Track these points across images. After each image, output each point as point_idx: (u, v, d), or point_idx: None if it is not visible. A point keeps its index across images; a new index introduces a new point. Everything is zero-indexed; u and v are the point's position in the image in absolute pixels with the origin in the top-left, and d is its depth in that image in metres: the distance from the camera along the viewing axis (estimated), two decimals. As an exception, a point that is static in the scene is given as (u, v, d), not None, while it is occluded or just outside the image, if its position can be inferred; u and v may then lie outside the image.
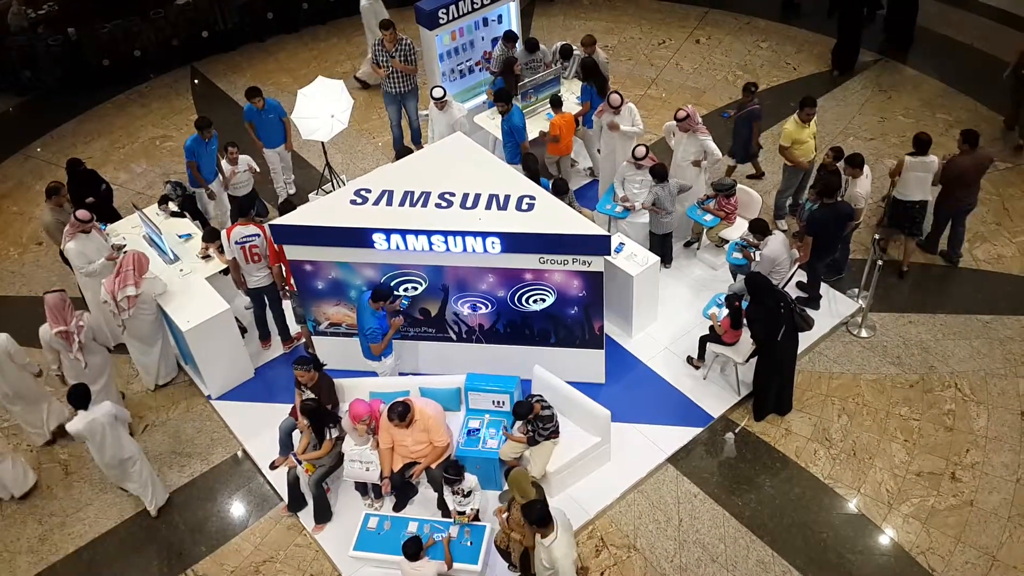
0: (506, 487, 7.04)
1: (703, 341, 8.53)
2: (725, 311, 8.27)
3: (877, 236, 8.98)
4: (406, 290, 8.31)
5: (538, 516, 6.19)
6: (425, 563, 6.75)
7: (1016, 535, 7.30)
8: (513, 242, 7.79)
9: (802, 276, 9.16)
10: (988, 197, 10.41)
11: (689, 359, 8.74)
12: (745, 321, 8.03)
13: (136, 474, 7.81)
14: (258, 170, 10.29)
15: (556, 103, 10.11)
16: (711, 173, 10.08)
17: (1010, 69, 10.82)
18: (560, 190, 8.75)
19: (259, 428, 8.52)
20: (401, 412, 7.21)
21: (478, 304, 8.35)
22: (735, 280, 9.06)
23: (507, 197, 8.09)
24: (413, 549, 6.64)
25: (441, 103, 10.12)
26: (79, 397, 7.42)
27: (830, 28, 13.46)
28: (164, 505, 8.09)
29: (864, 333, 9.04)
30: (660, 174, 9.11)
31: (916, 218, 9.36)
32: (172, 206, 9.86)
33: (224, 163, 9.99)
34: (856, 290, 9.31)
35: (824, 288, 9.28)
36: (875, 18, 13.30)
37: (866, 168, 8.97)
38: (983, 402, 8.33)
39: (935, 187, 9.27)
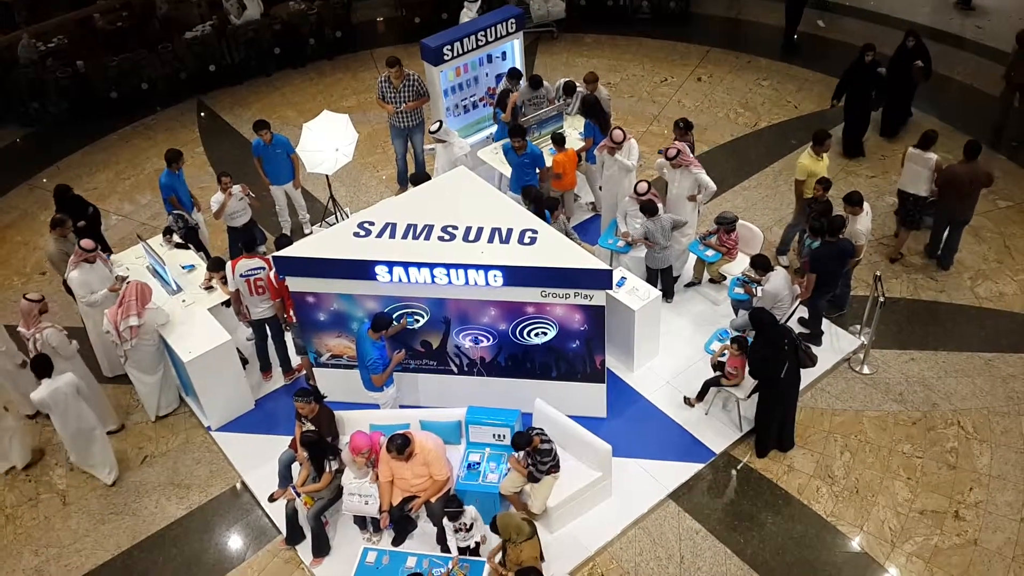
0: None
1: (707, 385, 8.51)
2: (729, 350, 8.25)
3: (878, 273, 9.00)
4: (408, 323, 8.31)
5: None
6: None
7: (1020, 574, 7.22)
8: (515, 275, 7.82)
9: (803, 312, 9.17)
10: (990, 235, 10.47)
11: (686, 399, 8.70)
12: (748, 358, 8.03)
13: (100, 448, 8.20)
14: (254, 195, 10.25)
15: (558, 141, 10.20)
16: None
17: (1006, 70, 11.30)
18: (551, 206, 9.06)
19: (258, 460, 8.47)
20: (400, 445, 7.18)
21: (480, 337, 8.35)
22: (736, 315, 9.07)
23: (509, 231, 8.13)
24: None
25: (436, 136, 10.26)
26: (41, 366, 7.96)
27: (828, 67, 13.64)
28: (158, 535, 8.05)
29: (866, 370, 9.02)
30: (650, 209, 9.16)
31: (911, 210, 9.87)
32: (176, 237, 9.91)
33: (218, 193, 10.01)
34: (858, 326, 9.32)
35: (826, 324, 9.29)
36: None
37: (866, 205, 9.03)
38: (986, 440, 8.29)
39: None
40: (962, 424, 8.46)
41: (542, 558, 7.01)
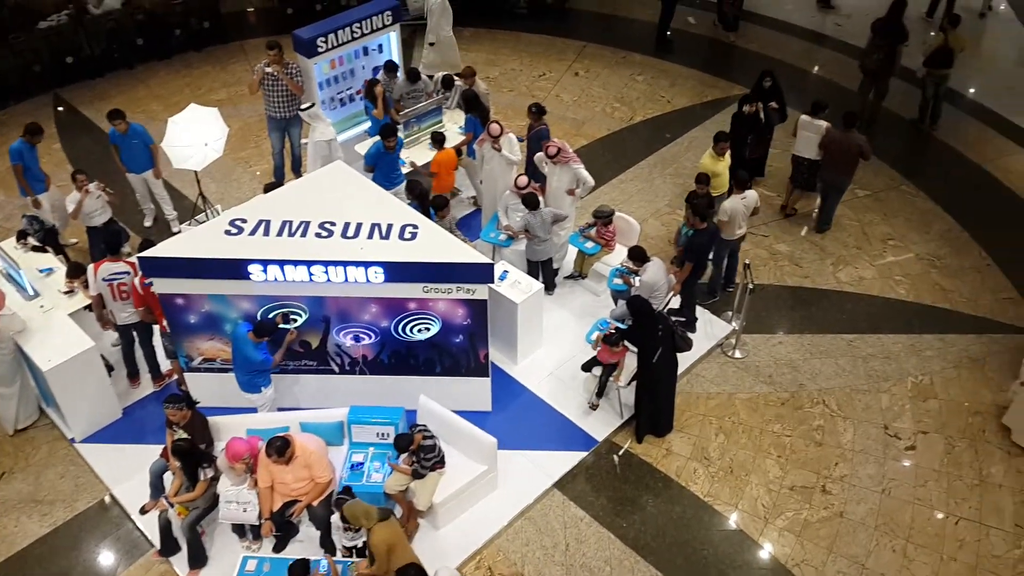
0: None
1: (585, 369, 8.65)
2: (600, 342, 8.42)
3: (747, 262, 9.36)
4: (290, 323, 8.09)
5: None
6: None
7: (883, 543, 7.67)
8: (396, 271, 7.72)
9: (675, 303, 9.43)
10: (849, 223, 11.05)
11: (591, 405, 8.72)
12: (627, 343, 8.22)
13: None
14: (112, 192, 9.84)
15: (438, 140, 10.12)
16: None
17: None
18: (438, 205, 8.98)
19: (128, 471, 8.07)
20: (280, 447, 6.98)
21: (361, 335, 8.21)
22: (616, 305, 9.25)
23: (389, 226, 8.02)
24: (300, 571, 6.40)
25: (306, 114, 10.22)
26: None
27: (700, 63, 14.13)
28: (20, 556, 7.56)
29: (738, 354, 9.37)
30: (532, 202, 9.24)
31: (806, 174, 10.79)
32: (32, 240, 9.33)
33: (73, 192, 9.50)
34: (729, 313, 9.67)
35: (700, 311, 9.60)
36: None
37: (751, 193, 9.48)
38: (849, 417, 8.76)
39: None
40: (827, 403, 8.90)
41: (410, 539, 6.95)
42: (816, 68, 14.23)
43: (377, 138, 9.95)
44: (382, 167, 9.92)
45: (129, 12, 13.99)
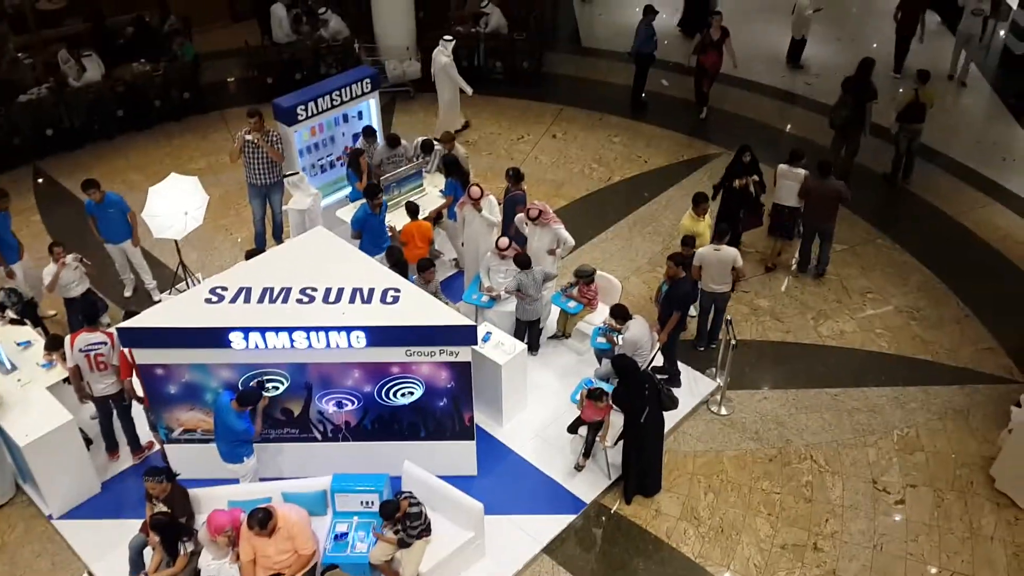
0: None
1: (571, 430, 8.58)
2: (585, 400, 8.36)
3: (729, 317, 9.41)
4: (267, 390, 7.99)
5: None
6: None
7: (877, 600, 7.58)
8: (379, 335, 7.68)
9: (658, 360, 9.43)
10: (828, 277, 11.17)
11: (577, 467, 8.65)
12: (613, 402, 8.18)
13: None
14: (90, 263, 9.77)
15: (412, 211, 10.16)
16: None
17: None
18: (423, 267, 9.11)
19: (106, 548, 7.84)
20: (262, 519, 6.83)
21: (344, 401, 8.13)
22: (600, 364, 9.23)
23: (371, 290, 8.01)
24: None
25: (290, 181, 10.30)
26: None
27: (675, 124, 14.39)
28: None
29: (724, 411, 9.35)
30: (523, 263, 9.29)
31: (787, 222, 11.04)
32: (10, 313, 9.24)
33: (50, 265, 9.45)
34: (713, 369, 9.67)
35: (684, 368, 9.59)
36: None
37: (733, 251, 9.52)
38: (837, 472, 8.71)
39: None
40: (814, 458, 8.86)
41: None
42: (789, 126, 14.52)
43: (362, 201, 10.00)
44: (369, 232, 9.94)
45: (109, 84, 14.10)
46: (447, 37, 13.65)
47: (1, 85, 13.93)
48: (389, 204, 10.59)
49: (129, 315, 8.20)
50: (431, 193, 11.11)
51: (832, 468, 8.75)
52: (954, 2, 17.12)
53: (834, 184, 10.61)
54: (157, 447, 8.65)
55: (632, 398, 8.00)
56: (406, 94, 15.29)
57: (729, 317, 9.42)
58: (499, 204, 10.47)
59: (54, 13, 16.33)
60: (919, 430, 9.14)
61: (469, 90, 13.50)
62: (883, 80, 14.34)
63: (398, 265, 9.21)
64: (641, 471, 8.30)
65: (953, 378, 9.77)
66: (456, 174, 10.83)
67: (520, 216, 10.02)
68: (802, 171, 10.74)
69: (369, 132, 11.36)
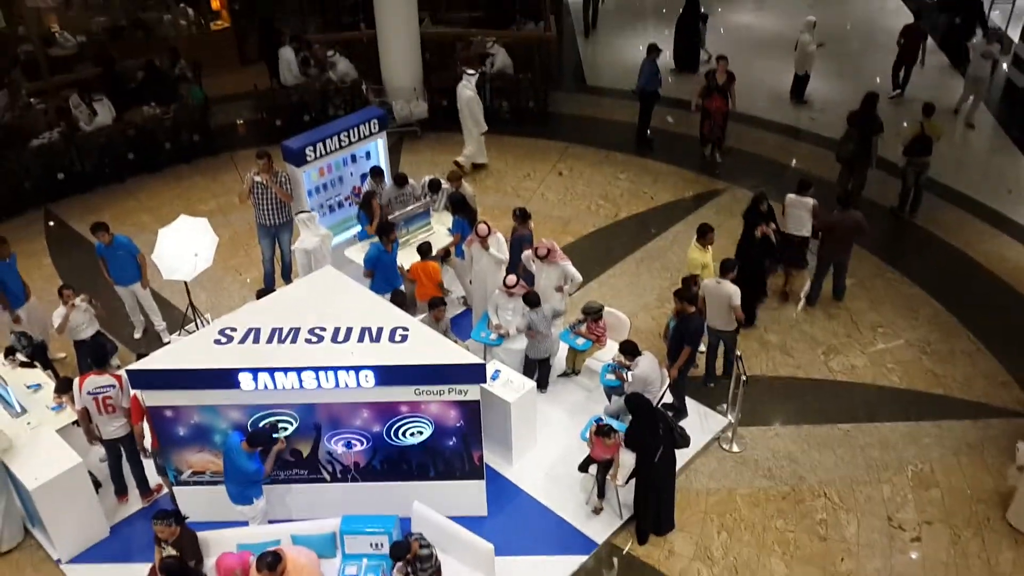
0: None
1: (581, 469, 8.51)
2: (594, 438, 8.30)
3: (739, 353, 9.36)
4: (278, 431, 7.97)
5: None
6: None
7: (895, 641, 7.44)
8: (387, 375, 7.67)
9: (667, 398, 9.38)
10: (838, 311, 11.12)
11: (595, 510, 8.56)
12: (625, 441, 8.11)
13: None
14: (99, 305, 9.81)
15: (422, 251, 10.19)
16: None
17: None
18: (433, 305, 9.11)
19: (114, 593, 7.81)
20: (271, 563, 6.76)
21: (353, 441, 8.09)
22: (610, 401, 9.19)
23: (380, 329, 8.01)
24: None
25: (300, 220, 10.32)
26: None
27: (680, 160, 14.47)
28: None
29: (736, 448, 9.27)
30: (533, 301, 9.30)
31: (797, 251, 11.03)
32: (20, 356, 9.27)
33: (60, 308, 9.49)
34: (724, 405, 9.61)
35: (695, 405, 9.54)
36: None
37: (728, 285, 9.45)
38: (851, 509, 8.60)
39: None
40: (828, 495, 8.76)
41: None
42: (794, 161, 14.57)
43: (373, 240, 10.04)
44: (381, 270, 9.99)
45: (120, 128, 14.28)
46: (470, 71, 13.86)
47: (14, 130, 14.12)
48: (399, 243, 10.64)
49: (140, 357, 8.23)
50: (439, 231, 11.16)
51: (846, 505, 8.64)
52: (962, 44, 17.33)
53: (854, 215, 10.76)
54: (166, 490, 8.61)
55: (646, 436, 7.94)
56: (413, 134, 15.43)
57: (739, 352, 9.37)
58: (507, 242, 10.51)
59: (66, 59, 16.64)
60: (933, 465, 9.04)
61: (484, 127, 13.66)
62: (887, 110, 14.41)
63: (403, 305, 9.21)
64: (655, 510, 8.21)
65: (966, 412, 9.68)
66: (463, 212, 10.90)
67: (527, 253, 10.05)
68: (811, 200, 10.82)
69: (377, 172, 11.45)
